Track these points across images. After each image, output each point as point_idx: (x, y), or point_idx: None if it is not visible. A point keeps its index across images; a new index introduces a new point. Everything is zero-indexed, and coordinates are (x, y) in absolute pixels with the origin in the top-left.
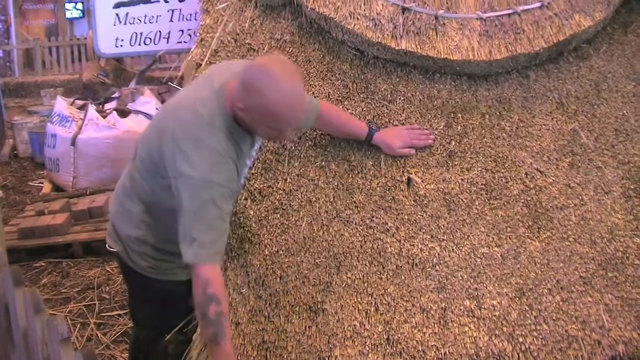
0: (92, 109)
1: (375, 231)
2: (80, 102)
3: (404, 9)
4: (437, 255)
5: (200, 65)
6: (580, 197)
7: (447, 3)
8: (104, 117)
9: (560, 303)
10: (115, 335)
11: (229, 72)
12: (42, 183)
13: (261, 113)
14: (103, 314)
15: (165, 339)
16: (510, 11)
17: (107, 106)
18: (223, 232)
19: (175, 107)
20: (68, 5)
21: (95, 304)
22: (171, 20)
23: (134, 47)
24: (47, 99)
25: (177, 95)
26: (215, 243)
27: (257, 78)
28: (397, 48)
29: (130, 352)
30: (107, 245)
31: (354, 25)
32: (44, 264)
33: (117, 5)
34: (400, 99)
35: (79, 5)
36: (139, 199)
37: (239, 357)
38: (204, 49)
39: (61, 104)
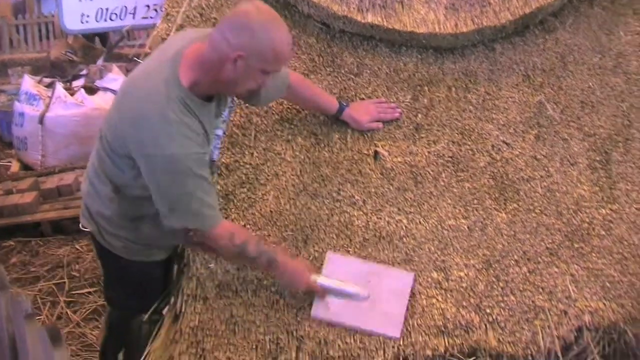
0: (59, 86)
1: (342, 204)
2: (47, 80)
3: None
4: (404, 227)
5: (165, 40)
6: (546, 169)
7: None
8: (72, 94)
9: (527, 274)
10: (85, 313)
11: (185, 40)
12: (10, 162)
13: (266, 55)
14: (73, 292)
15: (141, 319)
16: None
17: (75, 84)
18: (213, 192)
19: (130, 83)
20: None
21: (65, 282)
22: None
23: (100, 23)
24: (15, 78)
25: (134, 71)
26: (213, 205)
27: (255, 17)
28: (363, 21)
29: (103, 333)
30: (80, 225)
31: None
32: (12, 243)
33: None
34: (366, 72)
35: None
36: (108, 178)
37: (207, 332)
38: (169, 24)
39: (29, 82)
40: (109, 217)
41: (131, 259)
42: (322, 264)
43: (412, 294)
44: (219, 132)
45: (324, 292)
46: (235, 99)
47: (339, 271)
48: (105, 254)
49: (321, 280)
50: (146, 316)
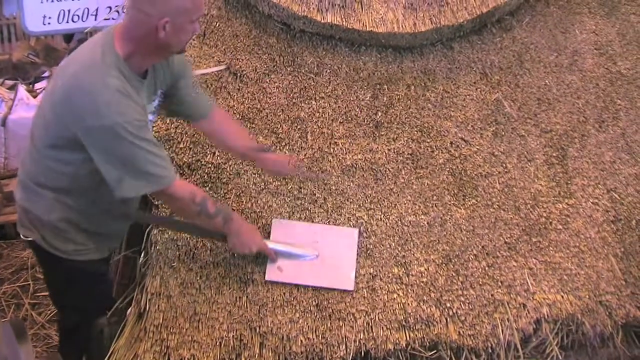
0: (22, 88)
1: (304, 202)
2: (10, 83)
3: None
4: (364, 224)
5: None
6: (504, 165)
7: None
8: (35, 97)
9: (486, 268)
10: (50, 314)
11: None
12: None
13: (187, 7)
14: (37, 294)
15: (102, 322)
16: None
17: (38, 86)
18: (162, 152)
19: (63, 67)
20: None
21: (29, 284)
22: None
23: (62, 25)
24: None
25: (63, 61)
26: (164, 165)
27: None
28: (322, 21)
29: (63, 343)
30: (21, 236)
31: None
32: None
33: (133, 17)
34: (326, 71)
35: None
36: (48, 181)
37: (171, 330)
38: None
39: None
40: (54, 221)
41: (81, 259)
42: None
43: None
44: (151, 117)
45: (275, 254)
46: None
47: (285, 236)
48: (52, 260)
49: (270, 244)
50: (102, 319)
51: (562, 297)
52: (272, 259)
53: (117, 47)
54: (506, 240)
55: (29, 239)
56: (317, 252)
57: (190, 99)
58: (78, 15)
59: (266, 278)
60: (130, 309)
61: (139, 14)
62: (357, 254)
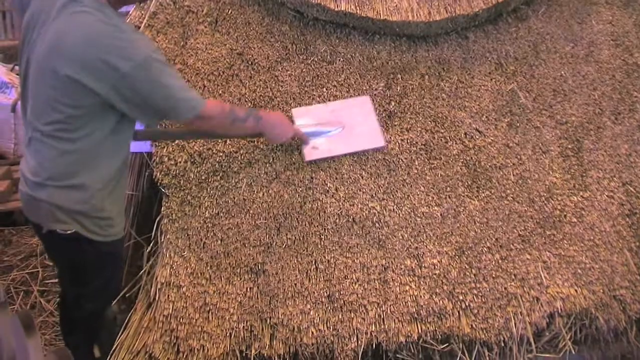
0: None
1: (315, 192)
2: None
3: None
4: (377, 214)
5: (139, 27)
6: (518, 157)
7: None
8: None
9: (500, 261)
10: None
11: None
12: None
13: None
14: (46, 281)
15: (112, 309)
16: None
17: None
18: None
19: (56, 44)
20: None
21: (38, 271)
22: None
23: None
24: None
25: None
26: (192, 88)
27: None
28: (336, 9)
29: (71, 335)
30: (58, 232)
31: None
32: None
33: None
34: (339, 60)
35: None
36: (72, 168)
37: (180, 320)
38: (142, 12)
39: (0, 71)
40: (91, 206)
41: (116, 239)
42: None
43: (385, 281)
44: None
45: (306, 136)
46: None
47: (308, 120)
48: (91, 247)
49: (299, 127)
50: (117, 305)
51: (576, 291)
52: (306, 142)
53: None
54: (520, 233)
55: (69, 231)
56: (342, 125)
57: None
58: None
59: (306, 159)
60: (139, 297)
61: None
62: (375, 114)
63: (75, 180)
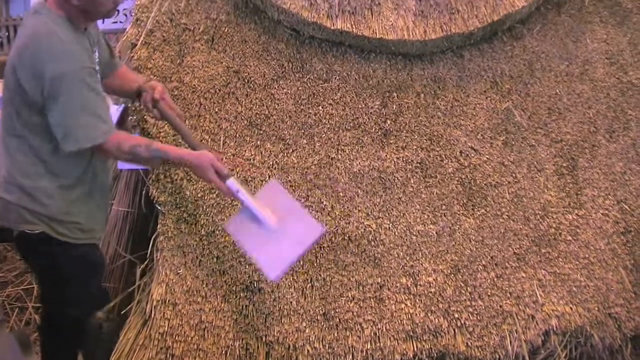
0: None
1: (311, 210)
2: None
3: None
4: (372, 232)
5: (136, 45)
6: (513, 175)
7: None
8: None
9: (495, 279)
10: None
11: None
12: None
13: None
14: None
15: (97, 316)
16: None
17: None
18: (106, 107)
19: (14, 47)
20: None
21: (33, 287)
22: None
23: None
24: None
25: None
26: (107, 119)
27: None
28: (332, 28)
29: (51, 343)
30: (26, 232)
31: (290, 4)
32: None
33: None
34: (335, 78)
35: None
36: (38, 169)
37: (176, 338)
38: (139, 29)
39: None
40: (58, 208)
41: (87, 243)
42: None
43: (381, 299)
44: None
45: (229, 192)
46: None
47: (268, 196)
48: (61, 249)
49: (230, 182)
50: (103, 313)
51: (571, 308)
52: (225, 193)
53: (55, 11)
54: (515, 251)
55: (37, 231)
56: (275, 229)
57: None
58: None
59: (224, 225)
60: (132, 311)
61: None
62: (304, 249)
63: (38, 183)
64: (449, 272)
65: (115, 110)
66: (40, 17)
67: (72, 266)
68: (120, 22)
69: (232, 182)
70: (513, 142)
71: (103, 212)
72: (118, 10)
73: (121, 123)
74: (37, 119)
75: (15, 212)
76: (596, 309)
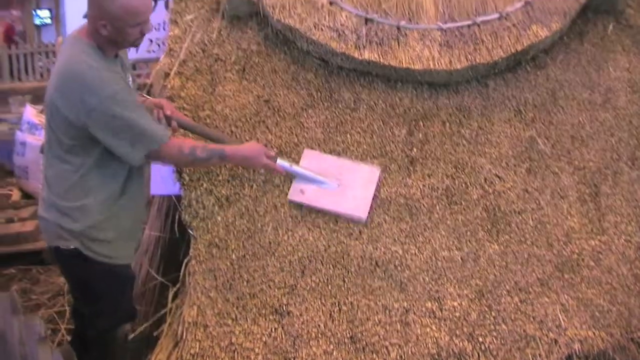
0: None
1: (339, 235)
2: None
3: (367, 20)
4: (399, 257)
5: (169, 74)
6: (537, 202)
7: (408, 14)
8: None
9: (519, 304)
10: None
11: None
12: (11, 190)
13: (121, 14)
14: None
15: (125, 327)
16: (469, 22)
17: None
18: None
19: (51, 77)
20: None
21: (65, 309)
22: None
23: None
24: (15, 106)
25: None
26: (157, 124)
27: None
28: (360, 58)
29: (91, 353)
30: (59, 247)
31: (319, 35)
32: (14, 271)
33: (87, 15)
34: (363, 107)
35: (47, 12)
36: (76, 189)
37: (206, 359)
38: (172, 59)
39: (30, 112)
40: (91, 226)
41: (111, 263)
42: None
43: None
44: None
45: (283, 170)
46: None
47: (313, 165)
48: (93, 266)
49: (280, 161)
50: (129, 326)
51: (594, 333)
52: (280, 172)
53: (86, 40)
54: (539, 276)
55: (71, 247)
56: (338, 182)
57: None
58: None
59: (288, 198)
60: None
61: (89, 13)
62: (375, 188)
63: (76, 202)
64: (473, 296)
65: None
66: (73, 47)
67: (102, 281)
68: (154, 51)
69: (282, 161)
70: (536, 170)
71: (136, 234)
72: (151, 40)
73: None
74: (75, 142)
75: (52, 230)
76: (619, 333)
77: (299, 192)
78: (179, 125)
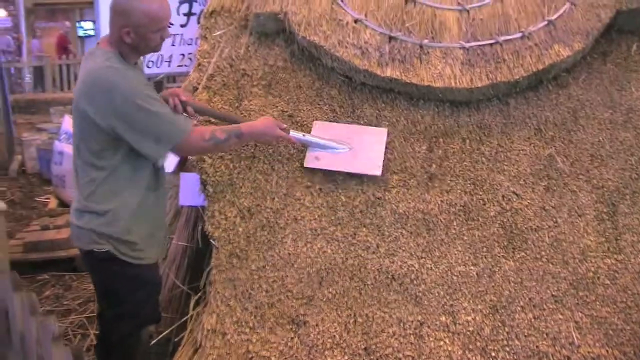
0: None
1: (357, 248)
2: None
3: (390, 38)
4: (415, 271)
5: (197, 88)
6: (554, 219)
7: (431, 32)
8: None
9: (532, 320)
10: None
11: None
12: (48, 199)
13: (144, 21)
14: None
15: (149, 329)
16: (492, 41)
17: None
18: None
19: (77, 86)
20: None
21: (95, 315)
22: (173, 45)
23: None
24: (56, 117)
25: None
26: (178, 118)
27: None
28: (382, 75)
29: (114, 356)
30: (94, 251)
31: (343, 53)
32: (47, 277)
33: (110, 25)
34: (385, 123)
35: (90, 24)
36: (108, 193)
37: None
38: (201, 74)
39: (69, 122)
40: (121, 229)
41: (137, 264)
42: None
43: (421, 336)
44: None
45: (297, 141)
46: None
47: (323, 133)
48: (123, 268)
49: (293, 132)
50: (153, 327)
51: (607, 351)
52: (293, 142)
53: (108, 48)
54: (553, 293)
55: (104, 250)
56: (350, 146)
57: None
58: (153, 61)
59: (305, 165)
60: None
61: (112, 23)
62: (384, 146)
63: (105, 206)
64: (487, 311)
65: (175, 156)
66: (96, 56)
67: (129, 284)
68: (186, 65)
69: (294, 132)
70: (555, 188)
71: (158, 235)
72: (183, 54)
73: (181, 166)
74: (103, 146)
75: (86, 235)
76: (632, 352)
77: (314, 160)
78: (195, 110)
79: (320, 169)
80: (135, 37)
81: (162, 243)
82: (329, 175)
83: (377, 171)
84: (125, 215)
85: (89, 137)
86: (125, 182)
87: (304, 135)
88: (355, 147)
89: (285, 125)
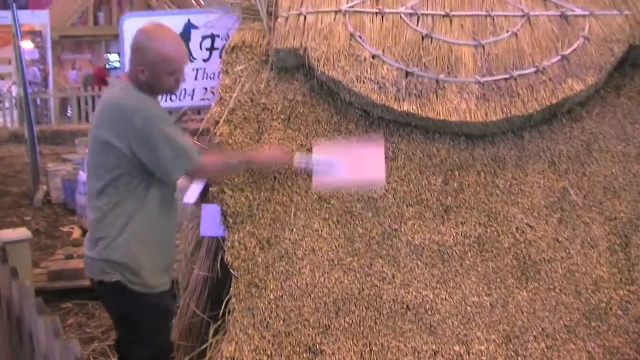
0: None
1: (373, 279)
2: None
3: (407, 74)
4: (430, 302)
5: (219, 122)
6: (567, 251)
7: (448, 68)
8: None
9: (545, 350)
10: None
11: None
12: (72, 228)
13: (158, 61)
14: None
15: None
16: (507, 76)
17: None
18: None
19: (94, 122)
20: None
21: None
22: (196, 79)
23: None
24: (81, 148)
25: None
26: (192, 145)
27: (143, 38)
28: (399, 110)
29: None
30: (105, 282)
31: (361, 88)
32: (71, 306)
33: (129, 61)
34: (401, 157)
35: (116, 56)
36: (117, 223)
37: None
38: (222, 108)
39: None
40: (132, 259)
41: (147, 293)
42: None
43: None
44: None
45: (303, 164)
46: None
47: (324, 152)
48: (130, 297)
49: (298, 157)
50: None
51: None
52: (300, 166)
53: (126, 82)
54: (566, 324)
55: (113, 280)
56: (351, 159)
57: None
58: (176, 95)
59: (313, 188)
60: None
61: (130, 59)
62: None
63: (116, 235)
64: (501, 341)
65: (197, 186)
66: (114, 87)
67: (141, 312)
68: (208, 99)
69: (299, 156)
70: (568, 220)
71: (168, 265)
72: (206, 89)
73: (203, 197)
74: (118, 175)
75: (97, 266)
76: None
77: (321, 182)
78: None
79: (333, 192)
80: (149, 76)
81: (171, 271)
82: (346, 207)
83: (381, 178)
84: (134, 245)
85: (104, 166)
86: (134, 213)
87: (308, 156)
88: (356, 158)
89: (290, 152)
